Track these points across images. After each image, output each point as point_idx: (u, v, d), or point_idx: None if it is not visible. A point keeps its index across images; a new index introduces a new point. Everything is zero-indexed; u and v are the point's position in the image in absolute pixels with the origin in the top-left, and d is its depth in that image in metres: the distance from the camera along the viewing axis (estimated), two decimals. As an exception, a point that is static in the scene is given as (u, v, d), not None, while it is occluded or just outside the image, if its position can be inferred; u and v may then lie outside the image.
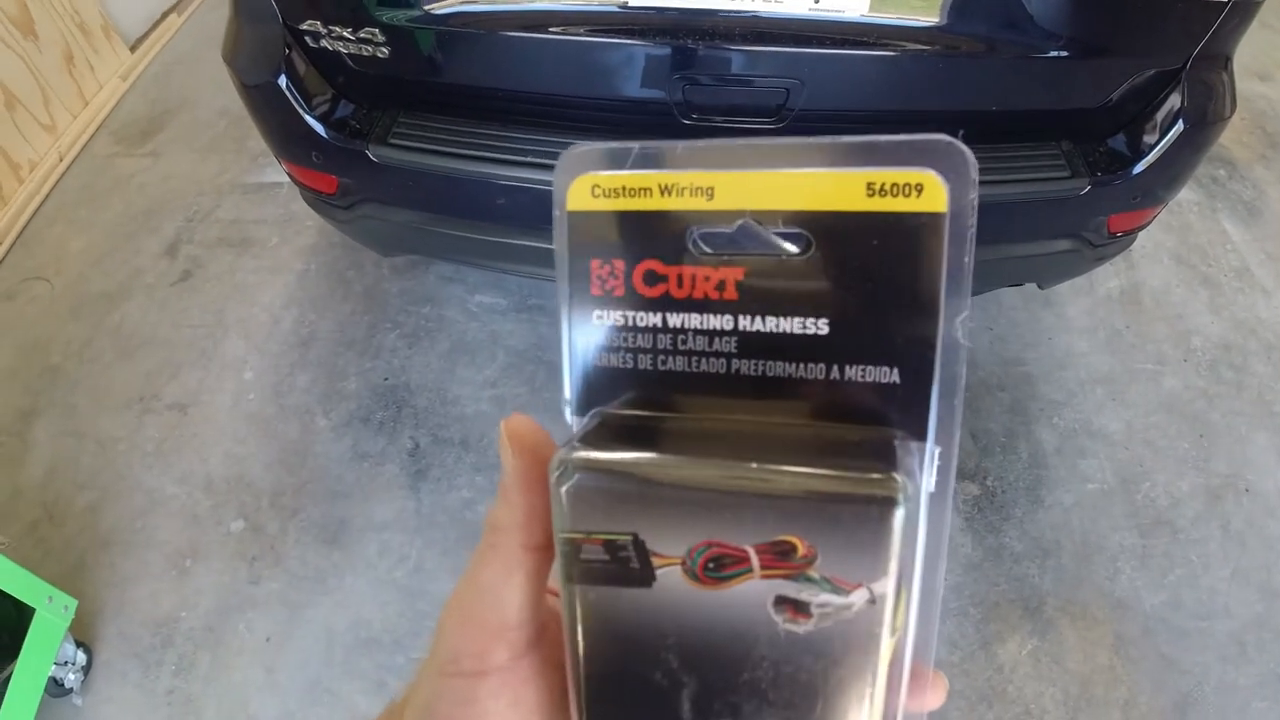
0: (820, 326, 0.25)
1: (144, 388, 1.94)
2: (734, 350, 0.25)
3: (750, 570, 0.22)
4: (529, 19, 1.21)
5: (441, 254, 1.80)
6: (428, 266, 2.18)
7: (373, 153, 1.33)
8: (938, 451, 0.24)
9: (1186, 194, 2.43)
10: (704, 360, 0.26)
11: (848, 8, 1.10)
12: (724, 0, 1.11)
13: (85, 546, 1.68)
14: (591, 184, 0.26)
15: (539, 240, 1.41)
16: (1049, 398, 1.91)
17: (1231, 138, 2.66)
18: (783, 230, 0.24)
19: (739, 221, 0.25)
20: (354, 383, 1.94)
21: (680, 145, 0.25)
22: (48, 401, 1.92)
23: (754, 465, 0.22)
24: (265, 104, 1.37)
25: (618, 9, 1.16)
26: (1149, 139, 1.33)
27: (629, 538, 0.23)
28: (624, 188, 0.25)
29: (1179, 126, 1.31)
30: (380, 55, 1.26)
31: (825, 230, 0.24)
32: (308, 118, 1.32)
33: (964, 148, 0.22)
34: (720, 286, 0.25)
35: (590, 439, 0.25)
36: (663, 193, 0.25)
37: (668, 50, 1.19)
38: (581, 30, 1.20)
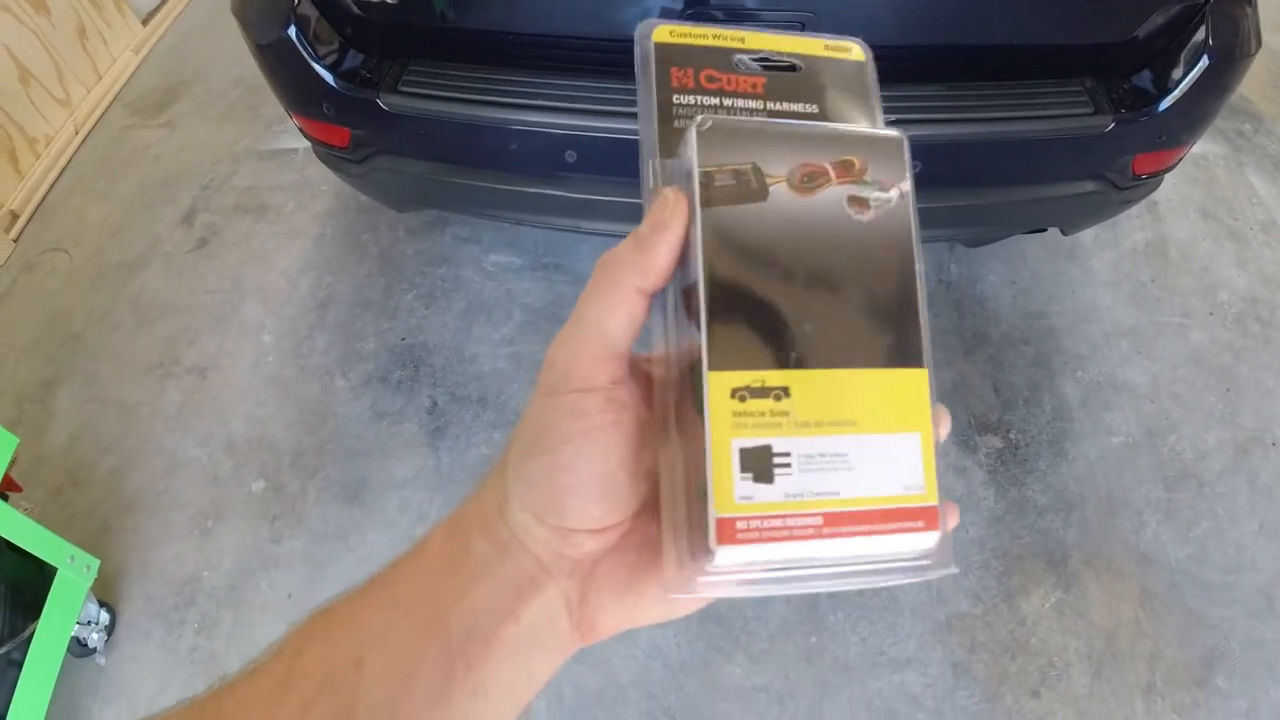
0: (811, 108, 0.37)
1: (164, 354, 1.95)
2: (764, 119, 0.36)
3: (829, 180, 0.33)
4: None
5: (455, 206, 1.79)
6: (443, 228, 2.17)
7: (384, 101, 1.32)
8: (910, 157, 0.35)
9: (1212, 147, 2.38)
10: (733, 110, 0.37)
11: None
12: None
13: (109, 510, 1.70)
14: (669, 29, 0.37)
15: (551, 188, 1.39)
16: (1073, 351, 1.89)
17: (1257, 92, 2.61)
18: (785, 61, 0.37)
19: (761, 54, 0.37)
20: (372, 343, 1.94)
21: (722, 25, 0.38)
22: (69, 370, 1.94)
23: (826, 124, 0.36)
24: (275, 57, 1.36)
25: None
26: (1174, 75, 1.30)
27: (750, 165, 0.33)
28: (690, 32, 0.37)
29: (1204, 62, 1.28)
30: (389, 1, 1.25)
31: (806, 62, 0.37)
32: (318, 68, 1.32)
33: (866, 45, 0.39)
34: (753, 85, 0.37)
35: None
36: (714, 38, 0.37)
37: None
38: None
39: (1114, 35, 1.29)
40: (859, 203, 0.33)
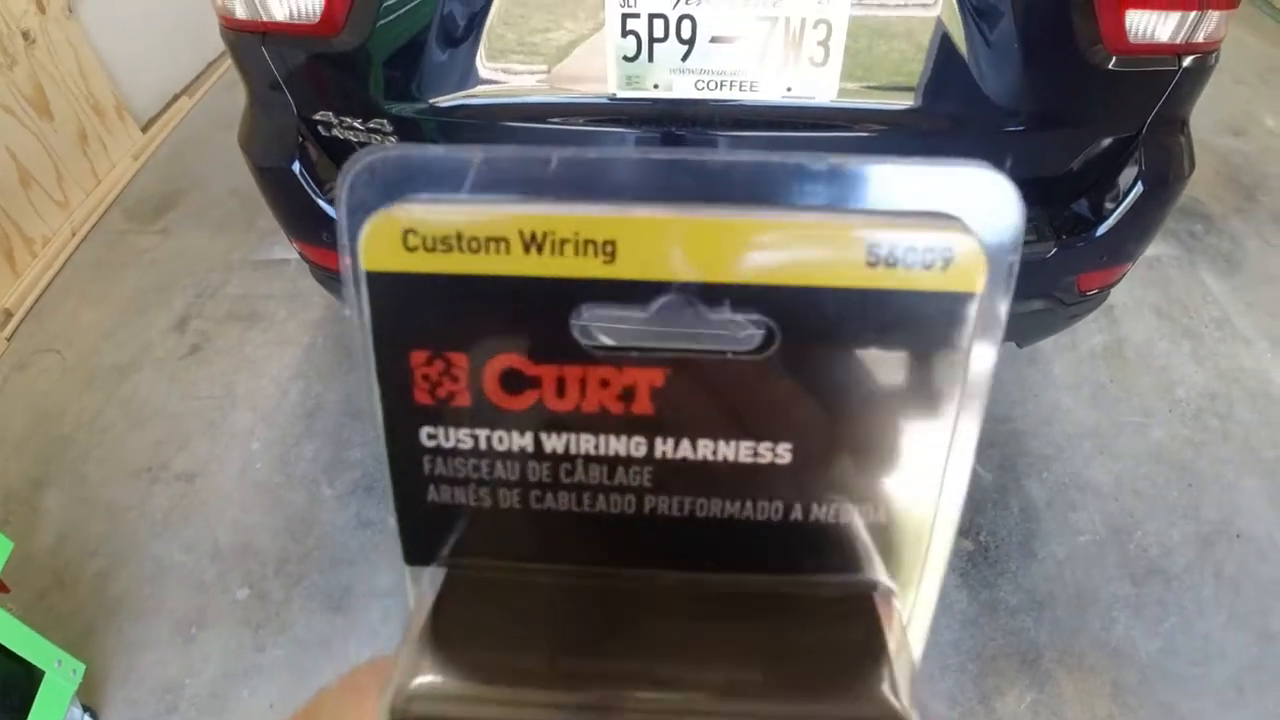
0: (780, 453, 0.18)
1: (153, 457, 1.98)
2: (648, 484, 0.19)
3: None
4: (527, 110, 1.30)
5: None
6: (430, 334, 2.23)
7: (378, 232, 1.39)
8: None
9: (1165, 249, 2.50)
10: (603, 497, 0.19)
11: (818, 95, 1.18)
12: (704, 90, 1.19)
13: (94, 613, 1.70)
14: (404, 227, 0.17)
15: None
16: (1038, 453, 1.95)
17: (1208, 192, 2.74)
18: (731, 314, 0.17)
19: (662, 298, 0.17)
20: (358, 452, 1.98)
21: (559, 155, 0.17)
22: (58, 470, 1.96)
23: (686, 695, 0.17)
24: (278, 187, 1.45)
25: (608, 100, 1.25)
26: (1110, 203, 1.40)
27: None
28: (460, 235, 0.17)
29: (1138, 189, 1.38)
30: (389, 144, 1.34)
31: (798, 315, 0.17)
32: (319, 201, 1.40)
33: (1007, 182, 0.17)
34: (627, 396, 0.18)
35: (434, 633, 0.18)
36: (528, 245, 0.17)
37: (654, 137, 1.27)
38: (576, 120, 1.28)
39: (1050, 170, 1.39)
40: None
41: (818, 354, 0.18)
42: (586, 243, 0.17)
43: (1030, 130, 1.32)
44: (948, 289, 0.17)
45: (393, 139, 1.32)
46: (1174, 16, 1.23)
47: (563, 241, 0.17)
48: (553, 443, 0.19)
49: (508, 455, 0.19)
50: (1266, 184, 2.79)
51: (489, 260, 0.17)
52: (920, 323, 0.17)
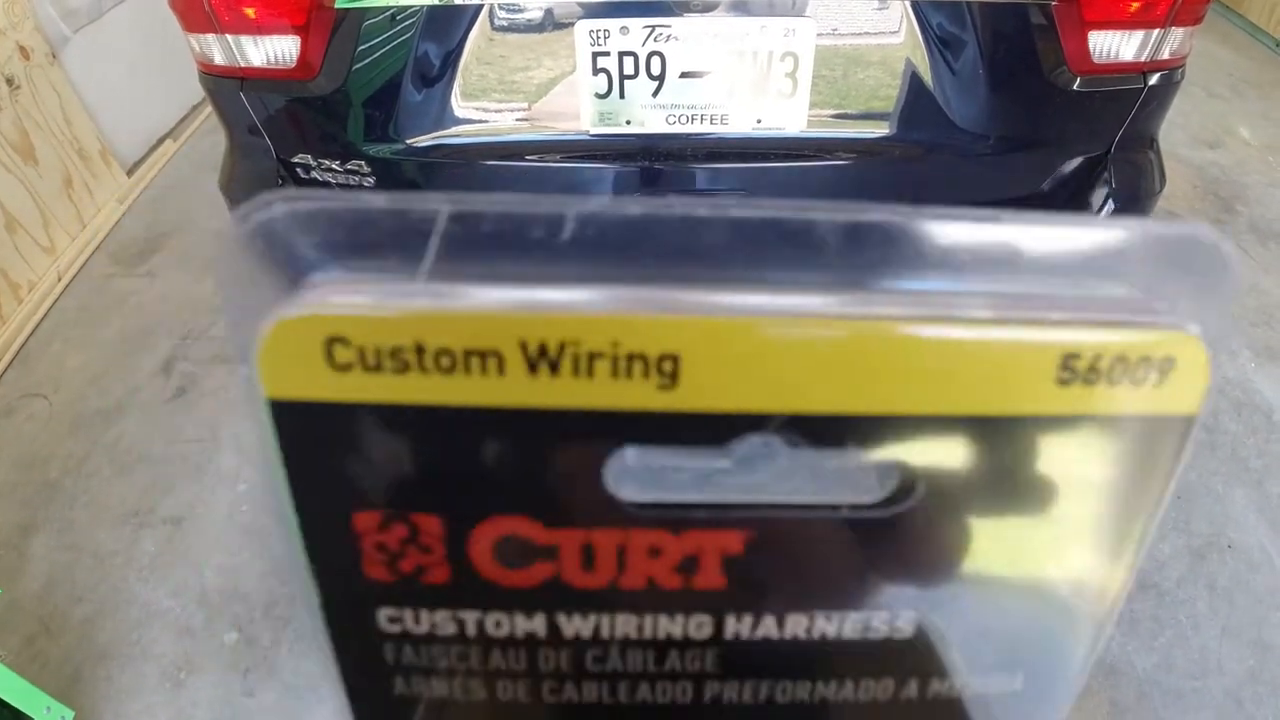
0: (901, 626, 0.14)
1: (139, 502, 1.97)
2: (712, 669, 0.14)
3: None
4: (503, 149, 1.31)
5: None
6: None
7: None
8: None
9: (1144, 262, 2.52)
10: (647, 686, 0.14)
11: (787, 126, 1.20)
12: (676, 124, 1.21)
13: (82, 659, 1.68)
14: (328, 334, 0.11)
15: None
16: (1025, 468, 1.95)
17: (1186, 206, 2.77)
18: (861, 458, 0.12)
19: (751, 437, 0.12)
20: (346, 487, 1.97)
21: (579, 210, 0.11)
22: (45, 516, 1.95)
23: None
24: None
25: (584, 137, 1.27)
26: (1082, 221, 1.42)
27: None
28: (421, 349, 0.11)
29: (1109, 206, 1.40)
30: (366, 185, 1.35)
31: (951, 457, 0.12)
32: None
33: (1227, 245, 0.12)
34: (688, 566, 0.13)
35: None
36: (534, 363, 0.11)
37: (629, 171, 1.28)
38: (552, 157, 1.30)
39: (1021, 190, 1.41)
40: None
41: (974, 506, 0.13)
42: (632, 359, 0.11)
43: (1000, 154, 1.34)
44: (1161, 411, 0.12)
45: (370, 180, 1.34)
46: (1137, 35, 1.26)
47: (592, 356, 0.11)
48: (575, 626, 0.13)
49: (509, 642, 0.14)
50: (1244, 195, 2.82)
51: (472, 385, 0.11)
52: (1116, 459, 0.12)
